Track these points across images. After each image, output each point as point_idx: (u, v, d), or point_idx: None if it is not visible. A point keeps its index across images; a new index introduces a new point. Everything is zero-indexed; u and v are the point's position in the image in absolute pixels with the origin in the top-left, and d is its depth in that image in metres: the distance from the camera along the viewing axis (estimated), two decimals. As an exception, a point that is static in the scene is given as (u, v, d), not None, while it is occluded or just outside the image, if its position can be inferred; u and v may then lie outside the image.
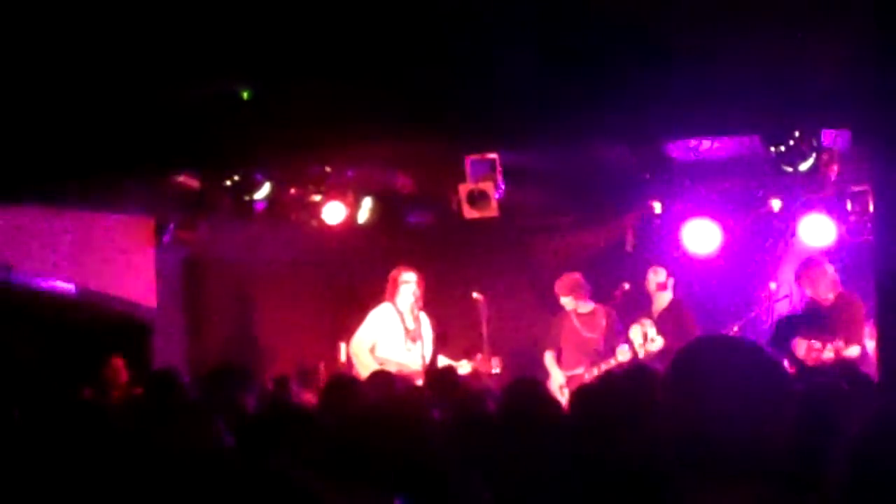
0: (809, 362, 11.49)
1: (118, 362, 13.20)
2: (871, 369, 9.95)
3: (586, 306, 13.59)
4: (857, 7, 7.78)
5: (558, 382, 13.22)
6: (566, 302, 13.62)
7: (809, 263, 12.42)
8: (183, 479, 3.61)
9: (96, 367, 13.12)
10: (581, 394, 8.20)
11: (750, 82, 9.87)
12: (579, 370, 13.12)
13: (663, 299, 13.45)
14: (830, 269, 12.30)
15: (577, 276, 13.69)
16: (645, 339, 13.01)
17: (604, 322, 13.45)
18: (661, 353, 12.65)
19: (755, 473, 3.13)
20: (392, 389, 8.74)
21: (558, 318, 13.72)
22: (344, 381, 8.66)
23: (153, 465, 4.36)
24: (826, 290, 12.13)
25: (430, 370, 11.34)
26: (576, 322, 13.55)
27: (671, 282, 13.48)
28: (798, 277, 12.43)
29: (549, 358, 13.63)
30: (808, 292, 12.24)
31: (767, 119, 11.55)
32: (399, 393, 8.72)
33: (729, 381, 3.19)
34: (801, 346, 11.65)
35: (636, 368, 9.89)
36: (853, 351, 11.73)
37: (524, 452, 5.64)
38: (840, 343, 11.87)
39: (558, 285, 13.68)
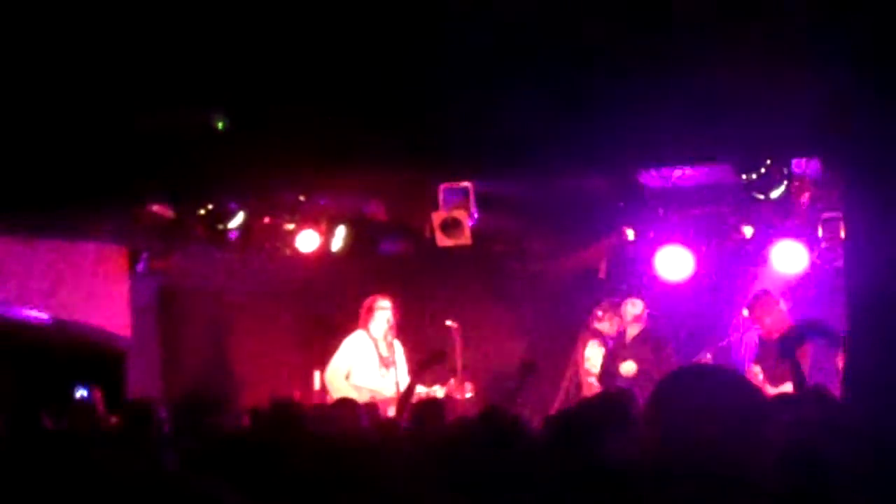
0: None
1: (97, 394, 13.17)
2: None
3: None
4: (828, 38, 7.85)
5: None
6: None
7: (759, 297, 12.59)
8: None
9: (69, 397, 13.08)
10: (558, 418, 8.22)
11: (722, 111, 9.93)
12: None
13: (636, 328, 13.47)
14: (781, 303, 12.47)
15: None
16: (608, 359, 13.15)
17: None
18: (636, 379, 12.68)
19: (738, 500, 3.15)
20: (354, 421, 8.72)
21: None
22: (285, 409, 8.63)
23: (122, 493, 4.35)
24: (773, 324, 12.28)
25: (414, 402, 11.29)
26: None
27: (645, 313, 13.49)
28: (749, 310, 12.59)
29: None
30: (757, 325, 12.42)
31: (739, 147, 11.62)
32: (361, 424, 8.70)
33: (710, 411, 3.21)
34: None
35: (607, 392, 9.92)
36: (786, 389, 11.83)
37: (501, 480, 5.64)
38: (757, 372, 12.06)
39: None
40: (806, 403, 8.11)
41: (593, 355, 13.29)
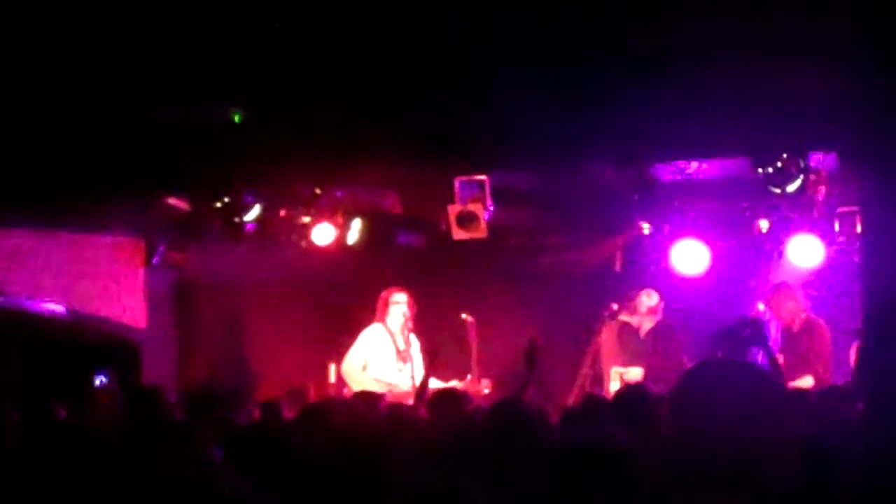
0: None
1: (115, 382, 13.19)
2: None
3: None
4: (843, 31, 7.84)
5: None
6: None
7: (777, 288, 12.58)
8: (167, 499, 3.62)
9: (85, 389, 13.11)
10: (570, 414, 8.23)
11: (738, 105, 9.92)
12: None
13: (650, 321, 13.45)
14: (799, 294, 12.44)
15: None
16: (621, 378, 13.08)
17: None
18: (649, 374, 12.69)
19: (760, 496, 3.14)
20: (375, 414, 8.74)
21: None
22: (321, 407, 8.64)
23: (138, 486, 4.38)
24: (789, 315, 12.28)
25: (432, 392, 11.30)
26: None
27: (661, 305, 13.47)
28: (767, 301, 12.59)
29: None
30: (774, 317, 12.43)
31: (755, 141, 11.59)
32: (380, 416, 8.71)
33: (732, 406, 3.19)
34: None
35: (627, 388, 9.93)
36: (804, 383, 11.78)
37: (515, 473, 5.65)
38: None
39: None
40: (826, 401, 8.11)
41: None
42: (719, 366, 3.52)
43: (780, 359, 12.24)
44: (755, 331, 10.46)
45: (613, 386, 12.95)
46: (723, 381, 3.28)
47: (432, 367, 11.31)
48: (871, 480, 3.47)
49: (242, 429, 7.77)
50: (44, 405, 9.26)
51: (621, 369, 13.13)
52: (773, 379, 3.35)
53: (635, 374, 13.01)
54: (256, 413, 10.99)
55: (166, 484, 3.74)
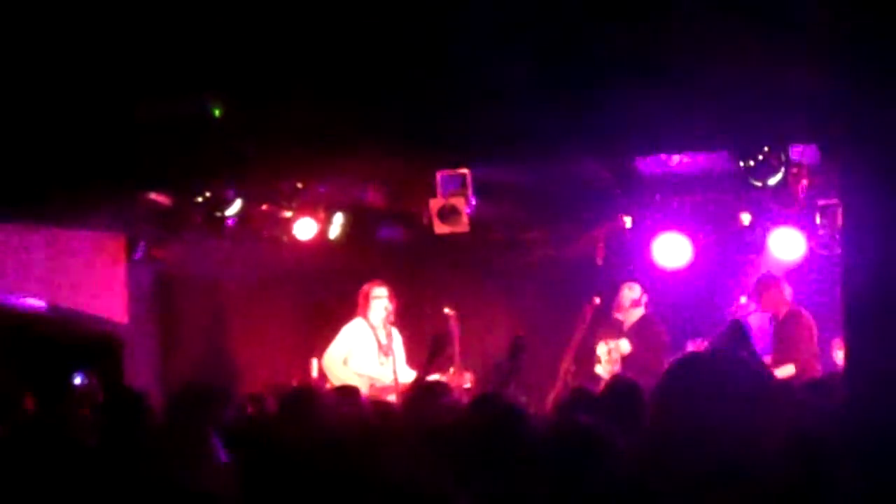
0: None
1: (94, 380, 13.14)
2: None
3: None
4: (824, 24, 7.85)
5: None
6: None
7: (760, 280, 12.65)
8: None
9: (66, 384, 13.06)
10: (559, 407, 8.22)
11: (719, 98, 9.92)
12: None
13: (634, 314, 13.49)
14: (785, 287, 12.51)
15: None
16: (610, 355, 13.12)
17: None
18: (628, 363, 12.73)
19: (746, 490, 3.13)
20: (356, 407, 8.72)
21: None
22: (302, 396, 8.61)
23: (115, 487, 4.37)
24: (773, 306, 12.36)
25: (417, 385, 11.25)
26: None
27: (644, 298, 13.53)
28: (752, 293, 12.66)
29: None
30: (759, 308, 12.50)
31: (737, 134, 11.61)
32: (362, 412, 8.69)
33: (720, 398, 3.19)
34: None
35: (616, 381, 9.94)
36: (785, 371, 11.83)
37: (498, 469, 5.64)
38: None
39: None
40: (813, 393, 8.12)
41: (602, 352, 13.28)
42: (704, 359, 3.51)
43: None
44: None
45: (602, 367, 13.06)
46: (708, 375, 3.28)
47: (437, 357, 11.22)
48: (856, 473, 3.48)
49: (230, 425, 7.76)
50: (21, 403, 9.21)
51: (610, 344, 13.20)
52: (758, 371, 3.35)
53: (624, 346, 13.08)
54: (249, 409, 11.00)
55: (146, 484, 3.73)
